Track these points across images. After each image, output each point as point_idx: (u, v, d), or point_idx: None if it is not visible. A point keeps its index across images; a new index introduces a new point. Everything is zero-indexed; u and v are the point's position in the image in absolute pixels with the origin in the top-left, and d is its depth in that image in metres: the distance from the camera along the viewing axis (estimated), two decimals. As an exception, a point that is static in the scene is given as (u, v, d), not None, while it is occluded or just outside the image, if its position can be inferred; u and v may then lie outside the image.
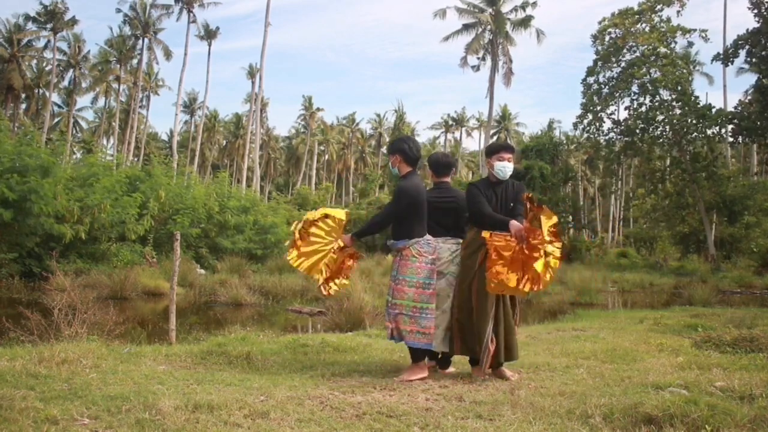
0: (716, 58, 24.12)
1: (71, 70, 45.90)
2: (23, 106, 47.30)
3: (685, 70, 24.99)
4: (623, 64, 25.68)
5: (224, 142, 65.13)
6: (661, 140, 25.83)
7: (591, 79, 26.76)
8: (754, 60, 22.12)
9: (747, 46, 22.01)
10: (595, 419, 3.07)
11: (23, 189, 12.45)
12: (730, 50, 22.85)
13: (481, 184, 4.44)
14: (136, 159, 39.94)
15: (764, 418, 3.01)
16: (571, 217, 30.93)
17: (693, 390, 3.65)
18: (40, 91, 47.12)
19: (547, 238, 4.01)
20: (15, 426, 2.81)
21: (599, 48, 26.30)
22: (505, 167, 4.34)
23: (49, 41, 43.63)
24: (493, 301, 4.12)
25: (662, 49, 24.54)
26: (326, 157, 68.64)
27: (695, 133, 24.63)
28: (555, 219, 4.22)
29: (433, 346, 4.19)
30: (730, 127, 23.70)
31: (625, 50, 25.57)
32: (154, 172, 18.03)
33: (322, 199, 41.43)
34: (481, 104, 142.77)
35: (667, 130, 25.02)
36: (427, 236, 4.33)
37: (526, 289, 3.98)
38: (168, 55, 43.57)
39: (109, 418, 3.01)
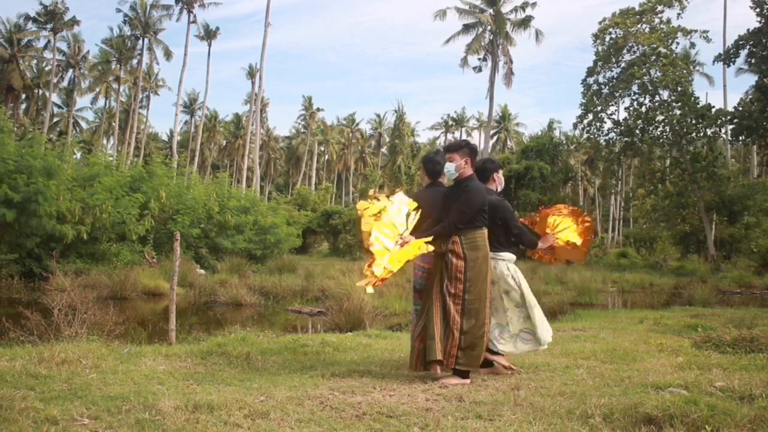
0: (717, 58, 24.13)
1: (71, 70, 45.92)
2: (23, 106, 47.32)
3: (685, 71, 24.98)
4: (623, 65, 25.67)
5: (224, 142, 65.16)
6: (661, 140, 25.83)
7: (591, 80, 26.76)
8: (754, 60, 22.11)
9: (748, 46, 22.00)
10: (595, 419, 3.07)
11: (28, 190, 12.44)
12: (731, 50, 22.84)
13: (448, 187, 4.56)
14: (136, 159, 39.93)
15: (764, 418, 3.01)
16: (571, 217, 30.87)
17: (693, 390, 3.66)
18: (40, 91, 47.13)
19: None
20: (15, 426, 2.81)
21: (599, 48, 26.30)
22: (446, 168, 4.41)
23: (49, 41, 43.67)
24: (427, 301, 4.28)
25: (662, 50, 24.54)
26: (326, 157, 68.68)
27: (695, 133, 24.63)
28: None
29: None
30: (730, 127, 23.70)
31: (625, 50, 25.57)
32: (156, 171, 18.01)
33: (322, 199, 41.41)
34: (481, 104, 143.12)
35: (667, 130, 25.01)
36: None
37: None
38: (168, 55, 43.65)
39: (109, 418, 3.01)
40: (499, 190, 4.77)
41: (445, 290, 4.18)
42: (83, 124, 53.94)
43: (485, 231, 4.30)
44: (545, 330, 4.52)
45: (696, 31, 25.16)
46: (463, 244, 4.20)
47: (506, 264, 4.50)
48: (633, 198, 34.00)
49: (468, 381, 4.13)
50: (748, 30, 21.86)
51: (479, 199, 4.24)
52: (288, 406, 3.29)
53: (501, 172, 4.80)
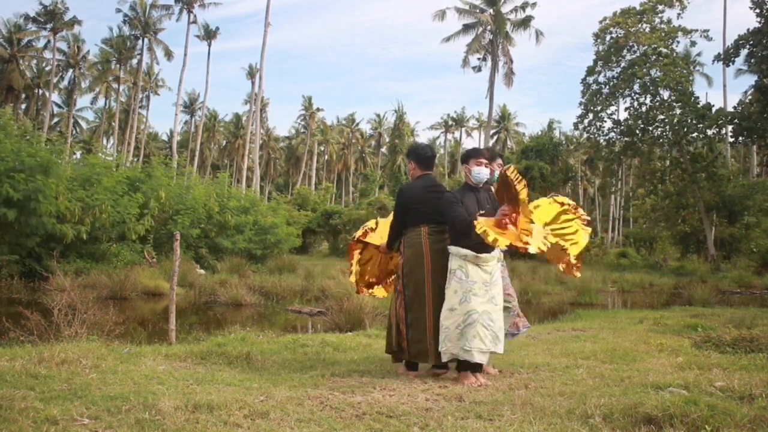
0: (717, 58, 24.13)
1: (71, 70, 45.92)
2: (23, 106, 47.30)
3: (685, 70, 24.99)
4: (624, 64, 25.67)
5: (224, 142, 65.16)
6: (661, 140, 25.83)
7: (591, 79, 26.76)
8: (753, 60, 22.10)
9: (748, 46, 21.99)
10: (595, 419, 3.07)
11: (28, 189, 12.43)
12: (731, 50, 22.84)
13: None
14: (136, 159, 39.93)
15: (764, 418, 3.01)
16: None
17: (693, 390, 3.65)
18: (40, 91, 47.12)
19: None
20: (15, 426, 2.80)
21: (600, 48, 26.30)
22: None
23: (49, 41, 43.66)
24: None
25: (663, 49, 24.55)
26: (326, 157, 68.66)
27: (695, 134, 24.63)
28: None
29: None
30: (730, 127, 23.70)
31: (625, 50, 25.57)
32: (155, 173, 17.99)
33: (322, 199, 41.41)
34: (481, 104, 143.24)
35: (667, 130, 25.02)
36: None
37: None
38: (168, 55, 43.64)
39: (109, 418, 3.01)
40: (474, 182, 4.36)
41: (396, 287, 4.56)
42: (83, 124, 53.99)
43: (422, 228, 4.39)
44: (450, 344, 4.07)
45: (696, 30, 25.22)
46: (404, 243, 4.48)
47: (453, 258, 4.21)
48: (633, 198, 34.03)
49: (414, 373, 4.33)
50: (748, 30, 21.86)
51: (399, 199, 4.57)
52: (288, 406, 3.29)
53: (473, 161, 4.37)
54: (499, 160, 4.74)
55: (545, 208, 4.79)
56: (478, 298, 4.08)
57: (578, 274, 4.58)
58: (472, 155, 4.44)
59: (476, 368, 4.14)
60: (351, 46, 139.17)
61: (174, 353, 5.07)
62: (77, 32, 44.35)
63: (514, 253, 4.67)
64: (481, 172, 4.34)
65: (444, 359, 4.16)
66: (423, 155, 4.64)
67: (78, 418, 3.00)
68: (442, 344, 4.12)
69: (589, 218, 4.84)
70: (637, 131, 25.56)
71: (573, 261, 4.50)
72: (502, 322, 4.19)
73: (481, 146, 37.36)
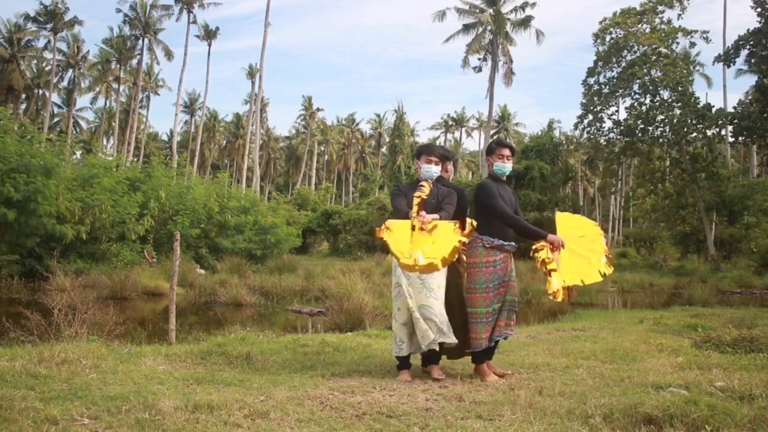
0: (717, 58, 24.12)
1: (71, 70, 45.92)
2: (23, 106, 47.29)
3: (685, 71, 24.97)
4: (624, 64, 25.65)
5: (224, 142, 65.19)
6: (661, 140, 25.81)
7: (591, 80, 26.75)
8: (754, 60, 22.08)
9: (748, 46, 21.98)
10: (595, 419, 3.07)
11: (28, 189, 12.44)
12: (731, 50, 22.83)
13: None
14: (136, 159, 39.94)
15: (764, 418, 3.01)
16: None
17: (693, 390, 3.65)
18: (40, 91, 47.11)
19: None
20: (15, 426, 2.81)
21: (600, 48, 26.29)
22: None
23: (49, 41, 43.66)
24: None
25: (663, 50, 24.54)
26: (326, 157, 68.67)
27: (695, 134, 24.61)
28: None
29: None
30: (730, 127, 23.68)
31: (625, 50, 25.56)
32: (155, 173, 17.98)
33: (322, 199, 41.40)
34: (481, 104, 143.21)
35: (667, 130, 25.00)
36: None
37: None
38: (169, 55, 43.66)
39: (109, 418, 3.01)
40: (423, 178, 4.42)
41: None
42: (83, 124, 53.98)
43: None
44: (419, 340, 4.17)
45: (696, 31, 25.21)
46: None
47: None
48: (633, 198, 33.97)
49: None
50: (748, 30, 21.85)
51: None
52: (288, 406, 3.29)
53: (423, 158, 4.44)
54: (508, 153, 4.70)
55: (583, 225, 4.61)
56: (413, 293, 4.14)
57: (558, 299, 4.18)
58: (423, 152, 4.50)
59: (435, 359, 4.33)
60: (351, 45, 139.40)
61: (174, 353, 5.06)
62: (77, 32, 44.41)
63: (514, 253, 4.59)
64: (429, 170, 4.43)
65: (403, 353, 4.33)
66: (417, 152, 4.73)
67: (78, 418, 3.00)
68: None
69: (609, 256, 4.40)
70: (637, 131, 25.53)
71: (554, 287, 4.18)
72: (443, 314, 4.14)
73: (482, 146, 37.34)
